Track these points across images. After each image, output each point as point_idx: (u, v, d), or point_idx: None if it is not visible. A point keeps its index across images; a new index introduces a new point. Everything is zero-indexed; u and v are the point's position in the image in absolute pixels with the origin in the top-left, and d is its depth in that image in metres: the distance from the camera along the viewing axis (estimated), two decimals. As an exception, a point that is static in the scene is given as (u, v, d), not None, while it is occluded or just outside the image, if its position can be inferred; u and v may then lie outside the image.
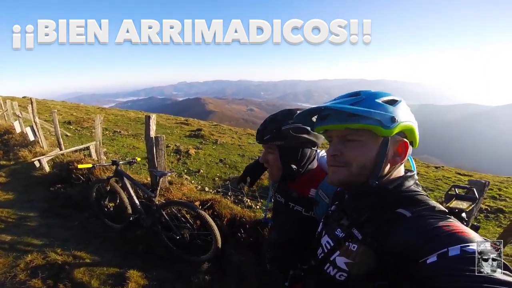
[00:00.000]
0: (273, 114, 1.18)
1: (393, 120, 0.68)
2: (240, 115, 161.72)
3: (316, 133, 1.08)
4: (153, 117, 4.27)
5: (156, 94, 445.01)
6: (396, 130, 0.69)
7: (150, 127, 4.19)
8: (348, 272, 0.70)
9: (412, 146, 0.75)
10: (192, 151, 8.37)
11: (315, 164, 1.20)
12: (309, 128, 1.11)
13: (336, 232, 0.76)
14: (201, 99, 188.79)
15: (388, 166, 0.72)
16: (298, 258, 1.16)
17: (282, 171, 1.17)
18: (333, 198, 0.94)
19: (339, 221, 0.77)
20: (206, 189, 5.11)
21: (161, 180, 2.84)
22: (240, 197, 4.57)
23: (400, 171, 0.75)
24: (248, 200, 4.43)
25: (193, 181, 5.51)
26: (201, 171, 6.38)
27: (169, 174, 3.16)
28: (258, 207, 4.26)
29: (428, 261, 0.51)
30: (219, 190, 4.97)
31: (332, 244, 0.76)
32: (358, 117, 0.70)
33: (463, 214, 0.64)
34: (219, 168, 6.85)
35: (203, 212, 2.54)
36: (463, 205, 0.68)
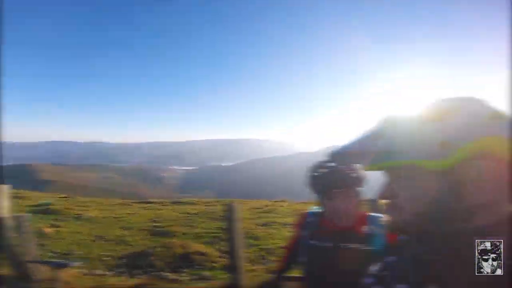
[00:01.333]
0: (326, 170, 1.20)
1: (443, 145, 0.45)
2: (92, 184, 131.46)
3: None
4: (5, 188, 3.05)
5: None
6: (459, 158, 0.45)
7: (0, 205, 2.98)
8: None
9: None
10: (47, 230, 5.94)
11: None
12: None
13: None
14: (30, 165, 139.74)
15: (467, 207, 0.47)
16: None
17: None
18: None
19: (407, 276, 0.53)
20: (98, 272, 3.69)
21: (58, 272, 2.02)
22: (154, 273, 3.60)
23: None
24: (169, 274, 3.57)
25: (70, 268, 3.86)
26: (76, 252, 4.59)
27: (76, 264, 2.22)
28: (185, 277, 3.51)
29: None
30: (120, 270, 3.73)
31: None
32: (387, 152, 0.50)
33: None
34: (101, 246, 5.18)
35: None
36: None
